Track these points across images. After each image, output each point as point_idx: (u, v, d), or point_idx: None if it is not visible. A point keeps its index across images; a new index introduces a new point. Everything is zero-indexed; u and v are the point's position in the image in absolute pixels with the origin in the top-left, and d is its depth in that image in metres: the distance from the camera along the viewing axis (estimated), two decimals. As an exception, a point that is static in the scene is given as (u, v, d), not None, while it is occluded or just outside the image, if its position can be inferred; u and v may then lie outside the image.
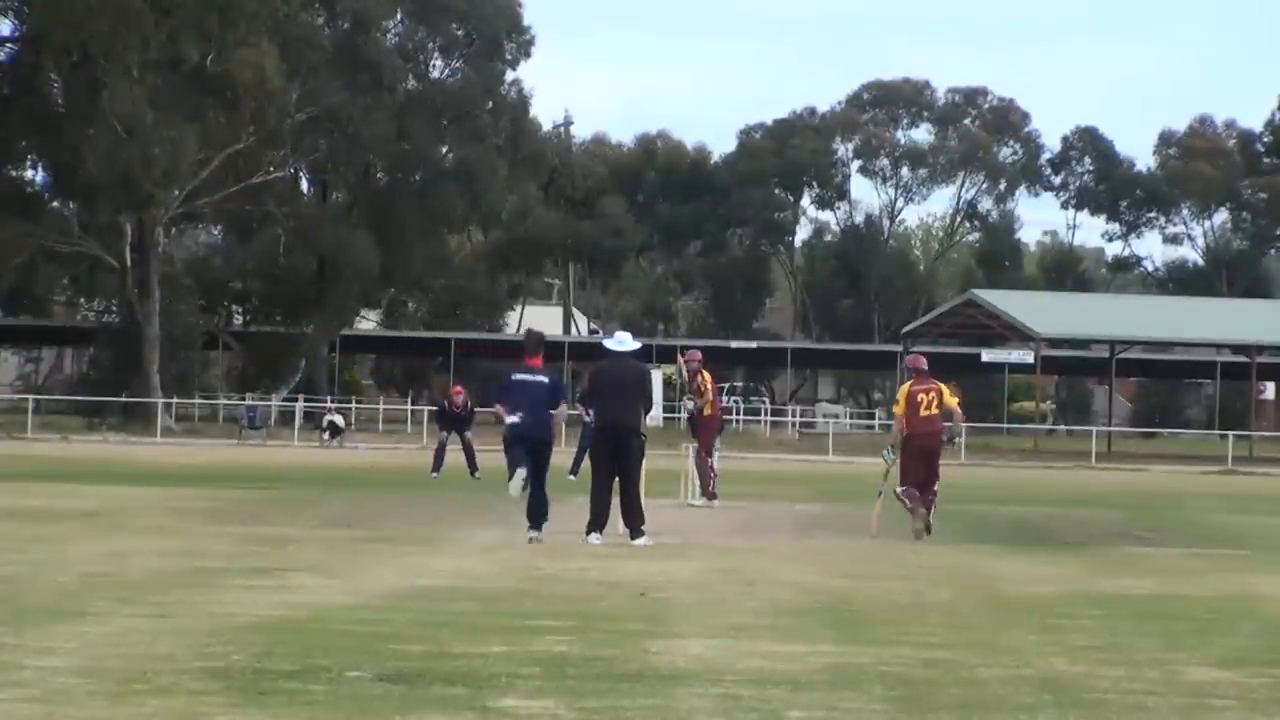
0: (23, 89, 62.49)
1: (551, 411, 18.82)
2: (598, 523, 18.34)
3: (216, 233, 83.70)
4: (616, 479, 18.50)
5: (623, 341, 19.48)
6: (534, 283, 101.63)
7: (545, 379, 18.51)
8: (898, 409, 20.60)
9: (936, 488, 20.24)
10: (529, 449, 18.09)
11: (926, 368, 20.82)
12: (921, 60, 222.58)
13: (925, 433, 20.15)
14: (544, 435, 18.54)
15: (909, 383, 20.67)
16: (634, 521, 18.45)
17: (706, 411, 25.94)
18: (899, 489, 20.19)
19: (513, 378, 18.58)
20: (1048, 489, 36.59)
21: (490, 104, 75.07)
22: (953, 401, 20.49)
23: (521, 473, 17.95)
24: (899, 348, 72.96)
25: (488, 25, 73.70)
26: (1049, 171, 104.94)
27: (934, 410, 20.14)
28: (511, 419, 18.22)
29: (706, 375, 26.12)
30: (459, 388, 34.18)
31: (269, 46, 60.55)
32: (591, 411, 19.89)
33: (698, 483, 25.55)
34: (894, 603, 13.80)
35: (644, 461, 18.90)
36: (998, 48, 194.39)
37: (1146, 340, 73.94)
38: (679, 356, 26.99)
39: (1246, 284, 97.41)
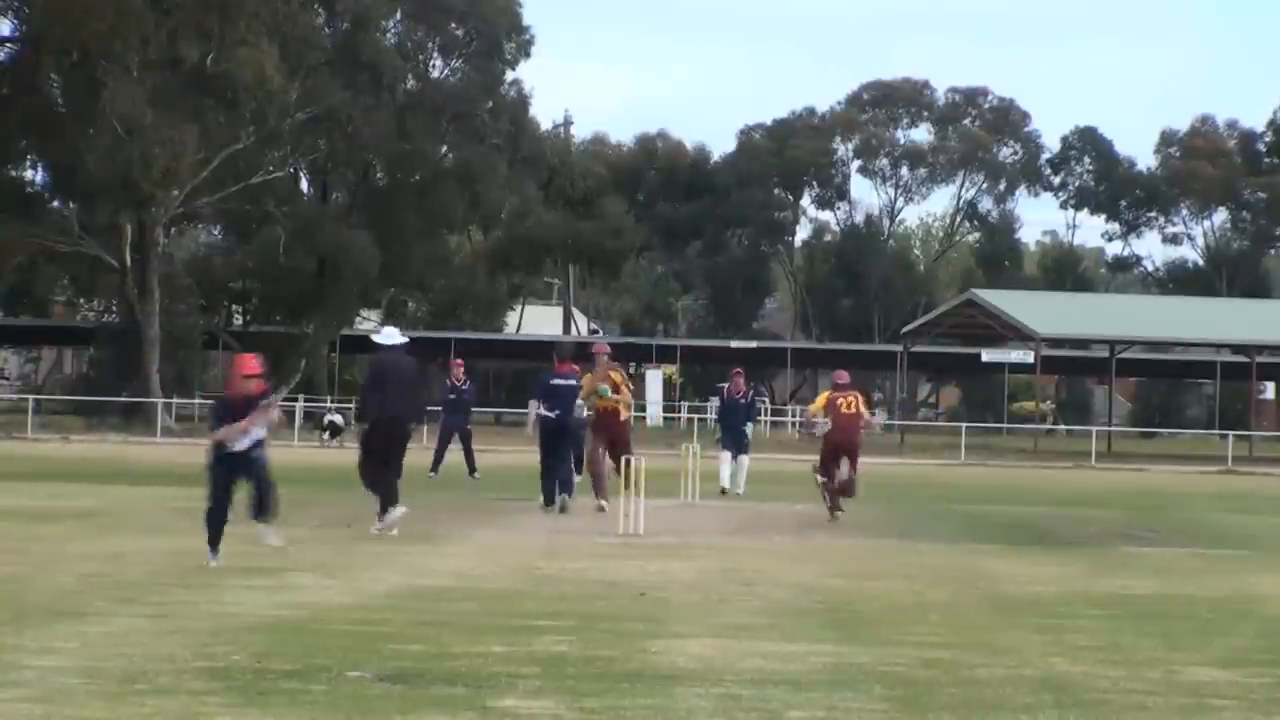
0: (23, 89, 62.42)
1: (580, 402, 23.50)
2: (390, 500, 19.37)
3: (216, 233, 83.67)
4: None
5: (392, 336, 20.32)
6: (534, 283, 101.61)
7: (574, 382, 23.57)
8: (813, 408, 25.63)
9: (855, 477, 24.25)
10: (567, 436, 23.27)
11: (847, 381, 25.24)
12: (921, 60, 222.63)
13: (843, 428, 24.23)
14: (578, 426, 23.68)
15: (830, 391, 25.22)
16: (386, 505, 19.43)
17: (623, 415, 24.12)
18: (819, 477, 24.23)
19: (551, 382, 23.52)
20: (1048, 489, 36.59)
21: (490, 104, 75.02)
22: (864, 408, 24.81)
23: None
24: (899, 348, 72.99)
25: (488, 25, 73.65)
26: (1049, 171, 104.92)
27: (852, 411, 24.23)
28: (547, 413, 23.10)
29: (617, 374, 24.42)
30: (460, 360, 33.75)
31: (269, 46, 60.48)
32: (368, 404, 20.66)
33: (598, 482, 23.65)
34: (894, 603, 13.80)
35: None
36: (998, 48, 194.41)
37: (1146, 340, 73.90)
38: (594, 352, 24.84)
39: (1246, 284, 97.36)
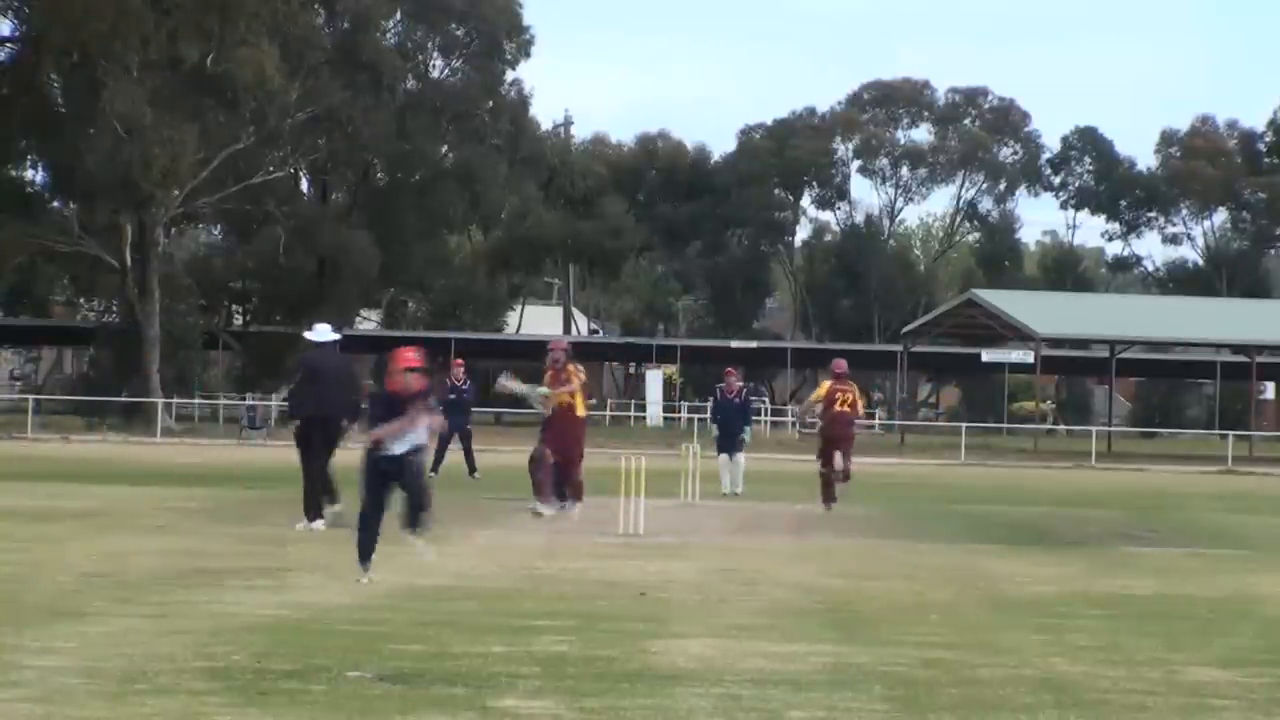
0: (23, 89, 62.41)
1: None
2: (314, 505, 19.50)
3: (216, 233, 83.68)
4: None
5: (324, 333, 20.38)
6: (534, 283, 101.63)
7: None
8: (814, 397, 26.23)
9: (849, 466, 25.08)
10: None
11: (845, 371, 25.70)
12: (921, 60, 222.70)
13: (836, 422, 25.08)
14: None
15: (830, 382, 25.66)
16: (317, 501, 19.51)
17: (580, 412, 22.34)
18: (821, 469, 25.23)
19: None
20: (1048, 489, 36.58)
21: (490, 104, 75.07)
22: (859, 407, 25.41)
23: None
24: (899, 348, 72.97)
25: (488, 25, 73.69)
26: (1049, 171, 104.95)
27: (847, 408, 25.02)
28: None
29: (574, 368, 22.24)
30: (460, 360, 33.75)
31: (269, 46, 60.47)
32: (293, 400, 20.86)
33: (543, 486, 21.93)
34: (894, 603, 13.80)
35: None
36: (998, 48, 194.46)
37: (1146, 340, 73.89)
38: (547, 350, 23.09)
39: (1246, 284, 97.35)
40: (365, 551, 14.44)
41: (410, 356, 14.59)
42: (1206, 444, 65.68)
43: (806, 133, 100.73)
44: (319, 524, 19.30)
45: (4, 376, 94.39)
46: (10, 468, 31.85)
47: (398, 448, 14.21)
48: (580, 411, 22.31)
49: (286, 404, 23.28)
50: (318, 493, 19.57)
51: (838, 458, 25.04)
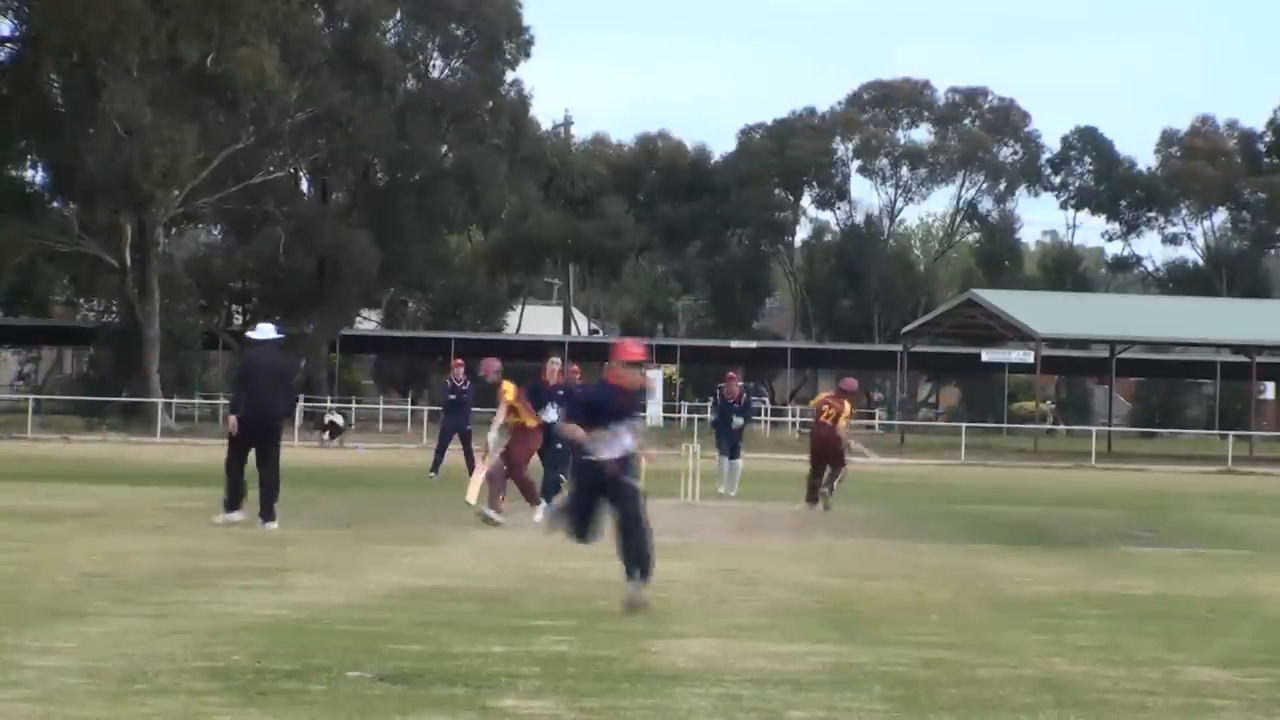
0: (23, 89, 62.41)
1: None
2: (234, 501, 19.80)
3: (216, 233, 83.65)
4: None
5: (265, 332, 20.47)
6: (534, 283, 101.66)
7: (564, 392, 22.55)
8: (813, 403, 28.41)
9: (841, 474, 25.79)
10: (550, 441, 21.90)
11: (844, 390, 26.87)
12: (921, 60, 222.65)
13: (817, 433, 26.24)
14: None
15: (830, 394, 27.68)
16: (271, 504, 19.64)
17: (530, 423, 21.87)
18: (810, 474, 26.02)
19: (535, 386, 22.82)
20: (1048, 489, 36.58)
21: (490, 104, 75.02)
22: (843, 422, 26.02)
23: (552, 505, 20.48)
24: (899, 348, 72.99)
25: (488, 25, 73.65)
26: (1049, 171, 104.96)
27: (827, 420, 25.88)
28: (549, 417, 21.68)
29: (503, 387, 21.99)
30: (460, 360, 33.66)
31: (269, 46, 60.47)
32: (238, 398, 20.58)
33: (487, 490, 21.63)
34: (894, 603, 13.80)
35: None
36: (998, 48, 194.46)
37: (1146, 340, 73.91)
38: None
39: (1246, 284, 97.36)
40: (581, 532, 12.60)
41: (634, 350, 12.86)
42: (1206, 444, 65.68)
43: (806, 133, 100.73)
44: (236, 515, 19.67)
45: (10, 376, 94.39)
46: (10, 468, 31.85)
47: (605, 452, 12.39)
48: (529, 423, 21.81)
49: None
50: (241, 485, 19.87)
51: (826, 473, 25.69)
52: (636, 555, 12.18)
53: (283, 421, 20.39)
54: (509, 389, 21.78)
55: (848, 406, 26.26)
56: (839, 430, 25.88)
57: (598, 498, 12.43)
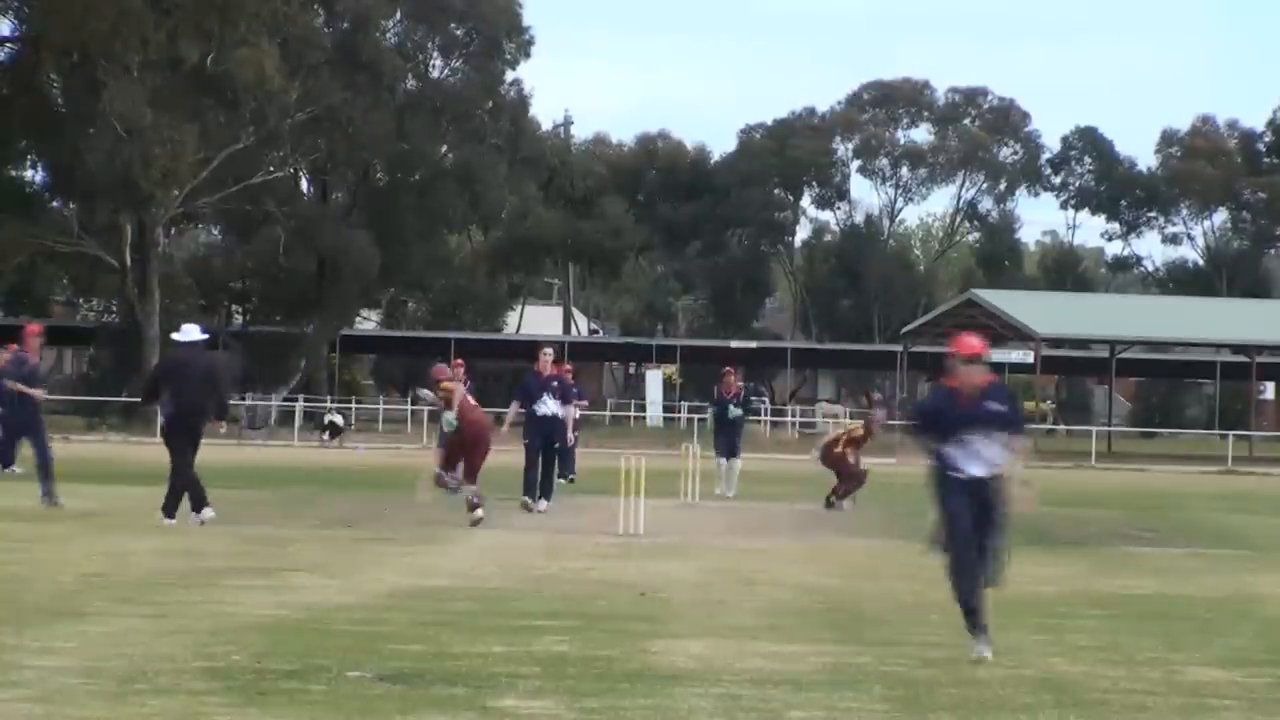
0: (23, 89, 62.40)
1: (565, 407, 23.77)
2: (198, 502, 19.98)
3: (216, 233, 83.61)
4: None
5: (190, 333, 20.69)
6: (534, 283, 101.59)
7: (558, 384, 23.69)
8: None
9: (850, 486, 25.99)
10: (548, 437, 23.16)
11: (877, 419, 28.18)
12: (921, 60, 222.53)
13: (829, 454, 26.35)
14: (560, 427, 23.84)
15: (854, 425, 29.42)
16: (174, 501, 20.04)
17: (472, 416, 21.32)
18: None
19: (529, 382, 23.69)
20: (1047, 489, 36.45)
21: (490, 104, 74.96)
22: (846, 438, 26.59)
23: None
24: (899, 348, 72.97)
25: (488, 25, 73.60)
26: (1049, 171, 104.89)
27: (838, 448, 26.18)
28: (544, 409, 23.02)
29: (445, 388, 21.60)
30: (460, 360, 33.55)
31: (269, 46, 60.45)
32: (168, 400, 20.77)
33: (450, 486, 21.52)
34: (894, 603, 13.80)
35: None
36: (998, 48, 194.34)
37: (1146, 340, 73.87)
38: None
39: (1246, 284, 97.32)
40: (969, 611, 10.88)
41: (973, 343, 11.33)
42: (1206, 444, 65.66)
43: (806, 133, 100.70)
44: (208, 513, 19.80)
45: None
46: (10, 468, 31.76)
47: (971, 468, 10.99)
48: (472, 416, 21.32)
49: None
50: (198, 484, 20.02)
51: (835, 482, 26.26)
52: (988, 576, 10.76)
53: (206, 422, 20.60)
54: (453, 388, 21.58)
55: (861, 430, 26.94)
56: (836, 449, 26.23)
57: (973, 517, 11.05)
